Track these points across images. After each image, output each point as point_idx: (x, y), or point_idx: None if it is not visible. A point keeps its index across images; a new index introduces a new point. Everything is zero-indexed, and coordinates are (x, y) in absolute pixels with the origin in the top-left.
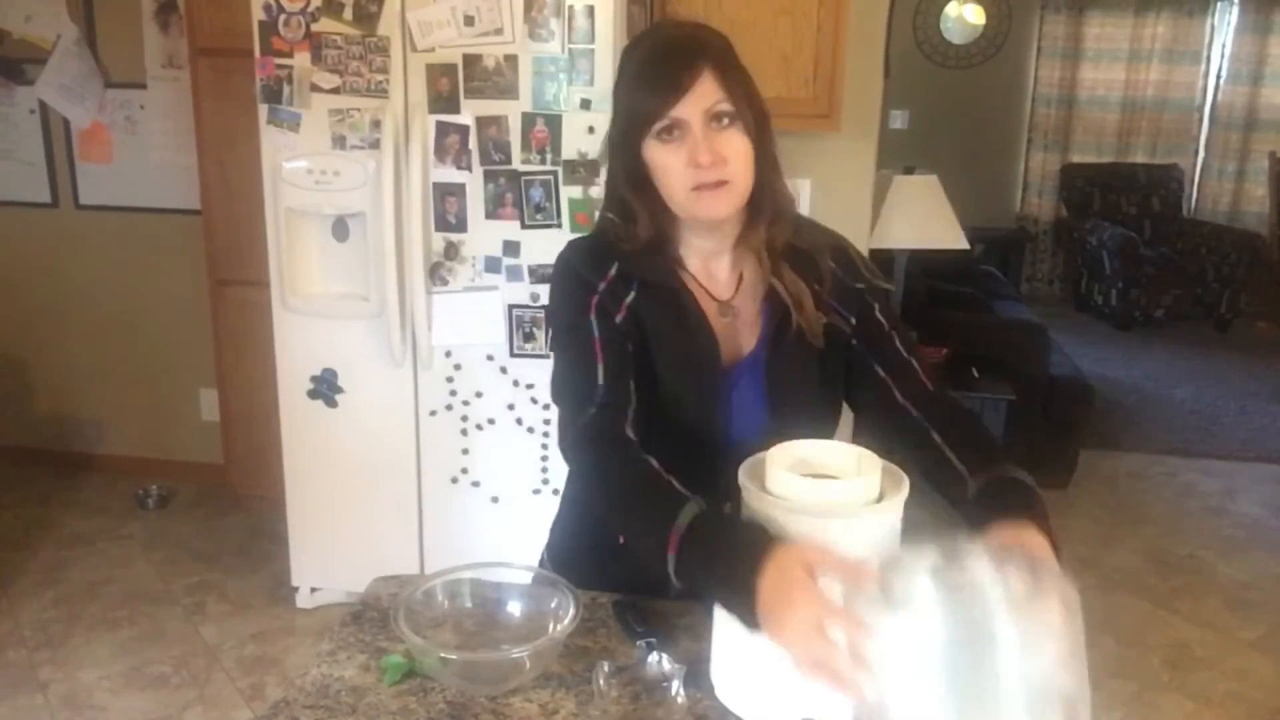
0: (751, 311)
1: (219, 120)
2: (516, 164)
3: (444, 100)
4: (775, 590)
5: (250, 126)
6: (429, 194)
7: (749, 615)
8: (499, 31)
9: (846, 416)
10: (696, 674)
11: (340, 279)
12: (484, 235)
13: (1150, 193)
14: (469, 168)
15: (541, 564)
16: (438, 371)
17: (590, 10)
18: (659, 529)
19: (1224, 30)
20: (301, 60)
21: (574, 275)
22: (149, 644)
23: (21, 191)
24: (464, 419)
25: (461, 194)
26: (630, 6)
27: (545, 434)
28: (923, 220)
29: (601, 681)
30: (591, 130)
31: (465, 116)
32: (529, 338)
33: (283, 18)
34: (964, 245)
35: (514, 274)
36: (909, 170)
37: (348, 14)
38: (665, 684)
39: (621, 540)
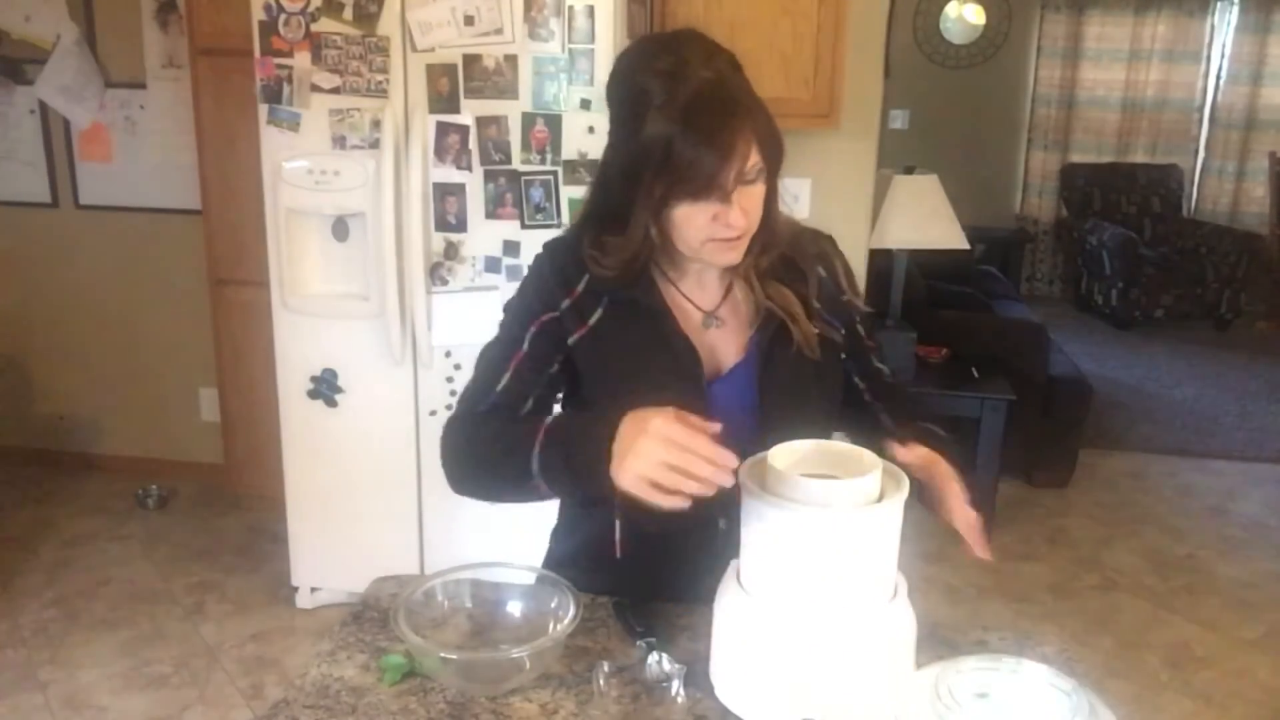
0: (738, 321)
1: (219, 120)
2: (516, 164)
3: (444, 100)
4: (630, 424)
5: (250, 126)
6: (429, 194)
7: (604, 471)
8: (499, 31)
9: None
10: (696, 674)
11: (340, 279)
12: (484, 235)
13: (1150, 193)
14: (469, 168)
15: None
16: (438, 371)
17: (590, 10)
18: (524, 435)
19: (1224, 30)
20: (301, 60)
21: (541, 285)
22: (149, 644)
23: (21, 191)
24: None
25: (461, 194)
26: (630, 6)
27: None
28: (923, 220)
29: (601, 681)
30: (591, 130)
31: (465, 116)
32: None
33: (283, 18)
34: (964, 245)
35: (514, 274)
36: (909, 170)
37: (348, 14)
38: (665, 684)
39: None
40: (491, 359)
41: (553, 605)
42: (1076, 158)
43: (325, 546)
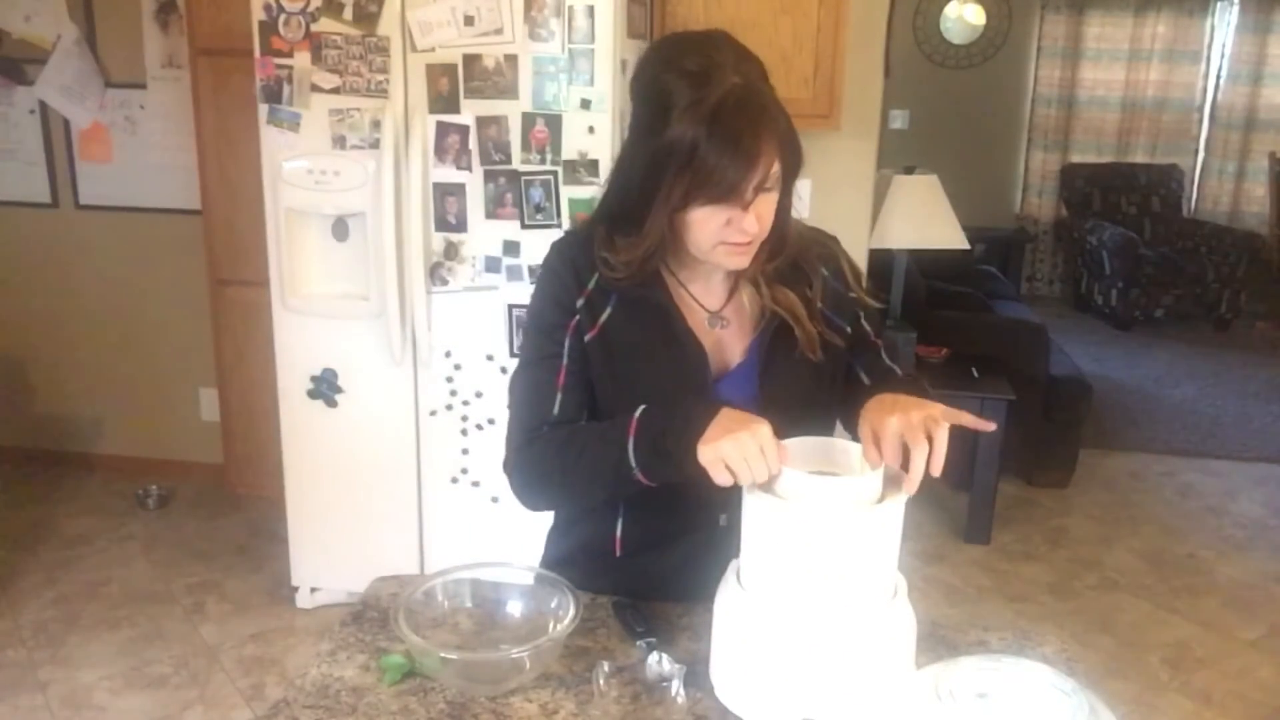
0: (742, 322)
1: (219, 120)
2: (516, 164)
3: (444, 100)
4: (732, 417)
5: (250, 126)
6: (429, 194)
7: (692, 444)
8: (499, 31)
9: None
10: (696, 674)
11: (340, 279)
12: (484, 235)
13: (1150, 193)
14: (469, 168)
15: None
16: (438, 371)
17: (590, 10)
18: (615, 434)
19: (1224, 30)
20: (301, 60)
21: (557, 285)
22: (149, 644)
23: (21, 191)
24: (464, 419)
25: (461, 194)
26: (630, 6)
27: None
28: (923, 220)
29: (601, 681)
30: (592, 130)
31: (465, 116)
32: None
33: (283, 18)
34: (964, 245)
35: (514, 274)
36: (909, 170)
37: (348, 14)
38: (665, 684)
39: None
40: (534, 384)
41: (553, 605)
42: (1076, 158)
43: (325, 546)
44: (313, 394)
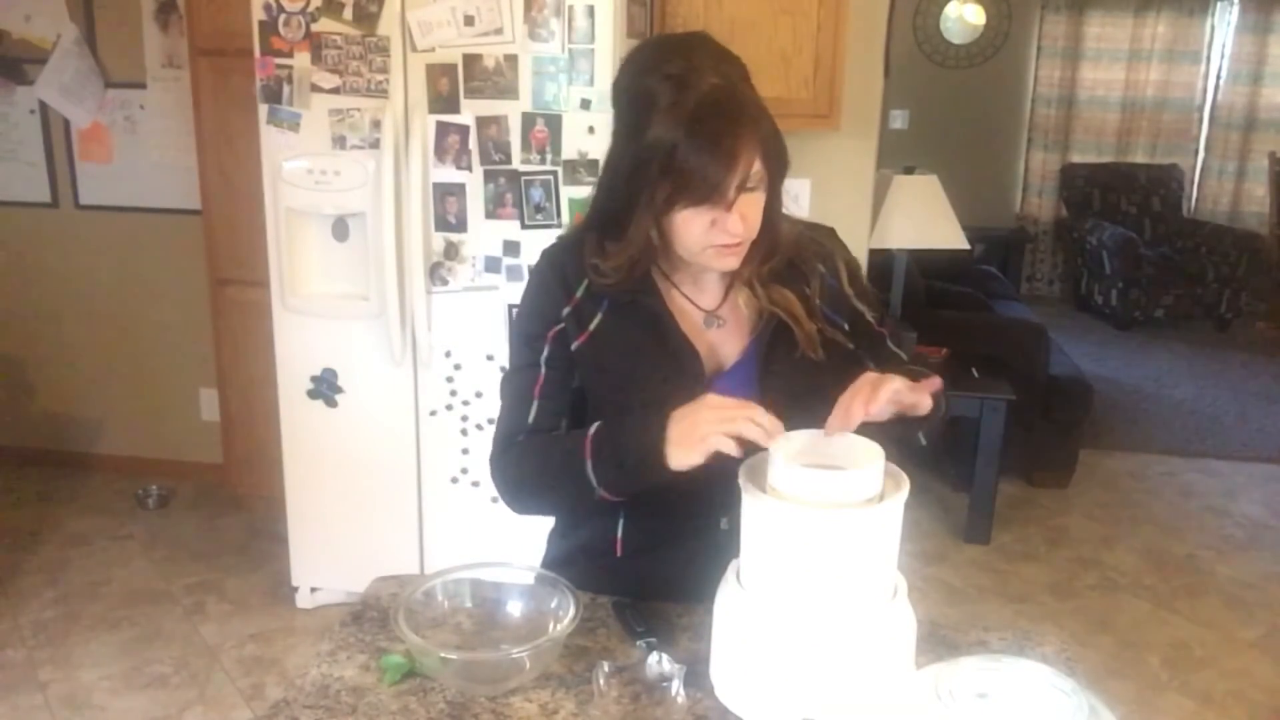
0: (739, 321)
1: (219, 120)
2: (516, 164)
3: (444, 100)
4: (684, 414)
5: (250, 126)
6: (429, 194)
7: (659, 459)
8: (499, 31)
9: None
10: (696, 674)
11: (340, 279)
12: (484, 235)
13: (1150, 193)
14: (469, 168)
15: None
16: (438, 371)
17: (590, 10)
18: (573, 453)
19: (1224, 30)
20: (301, 60)
21: (544, 293)
22: (149, 644)
23: (21, 191)
24: (464, 419)
25: (461, 194)
26: (630, 6)
27: None
28: (923, 220)
29: (601, 681)
30: (592, 130)
31: (465, 116)
32: None
33: (283, 18)
34: (964, 245)
35: (514, 274)
36: (909, 170)
37: (348, 14)
38: (665, 684)
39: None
40: (516, 391)
41: (553, 605)
42: (1076, 158)
43: (325, 546)
44: (313, 394)
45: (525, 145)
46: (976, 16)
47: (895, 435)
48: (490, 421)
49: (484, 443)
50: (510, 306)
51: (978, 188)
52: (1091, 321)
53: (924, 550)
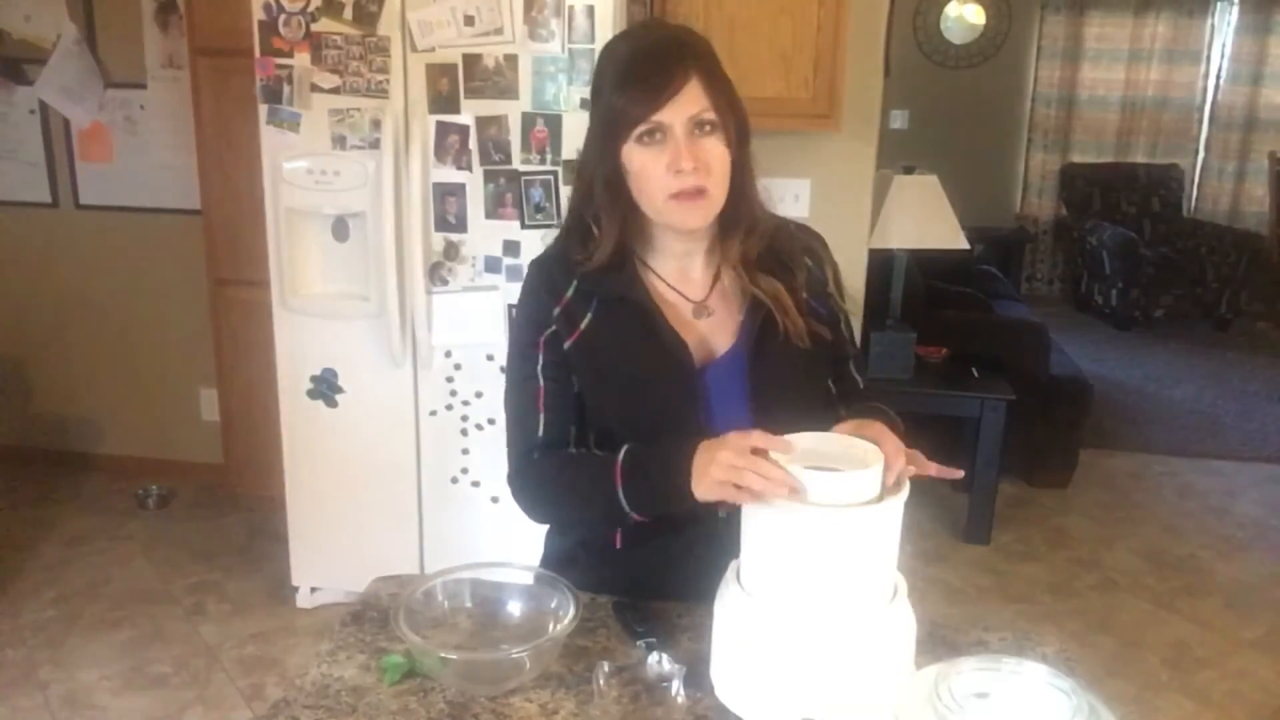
0: (728, 310)
1: (219, 120)
2: (516, 164)
3: (444, 100)
4: (707, 447)
5: (250, 126)
6: (429, 194)
7: (687, 488)
8: (499, 31)
9: None
10: (696, 674)
11: (340, 279)
12: (484, 235)
13: (1150, 193)
14: (469, 168)
15: None
16: (438, 371)
17: (590, 10)
18: (602, 476)
19: (1224, 30)
20: (301, 60)
21: (534, 300)
22: (149, 644)
23: (21, 191)
24: (464, 419)
25: (461, 194)
26: (630, 6)
27: None
28: (923, 220)
29: (601, 681)
30: None
31: (465, 116)
32: None
33: (283, 18)
34: (964, 245)
35: (514, 274)
36: (909, 170)
37: (348, 14)
38: (665, 684)
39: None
40: (520, 406)
41: (553, 605)
42: (1076, 158)
43: (325, 546)
44: (313, 394)
45: (525, 145)
46: (976, 16)
47: None
48: (490, 421)
49: (484, 443)
50: (510, 306)
51: (978, 188)
52: (1091, 321)
53: (924, 550)
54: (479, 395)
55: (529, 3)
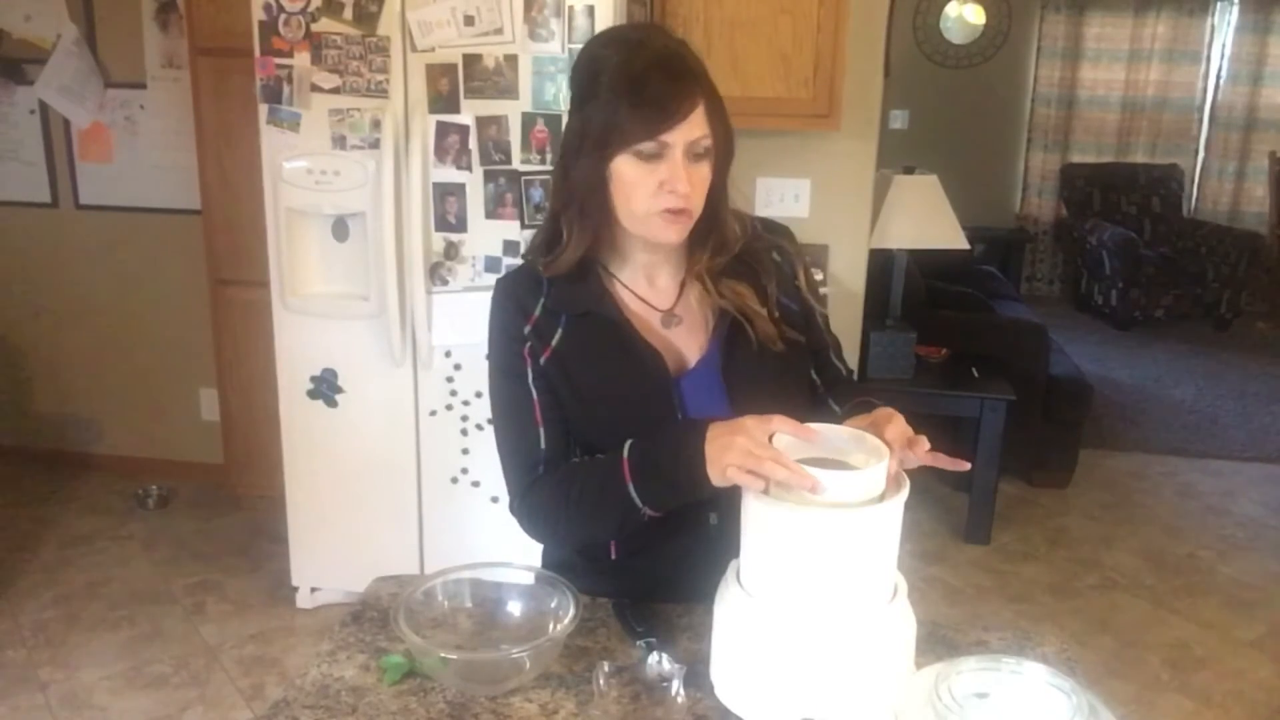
0: (696, 318)
1: (219, 120)
2: (516, 164)
3: (444, 100)
4: (721, 431)
5: (250, 126)
6: (429, 194)
7: (703, 475)
8: (499, 31)
9: None
10: (696, 674)
11: (340, 279)
12: (484, 235)
13: (1150, 193)
14: (469, 168)
15: None
16: (438, 371)
17: (590, 10)
18: (610, 478)
19: (1224, 30)
20: (301, 60)
21: (504, 318)
22: (149, 644)
23: (21, 191)
24: (464, 419)
25: (461, 194)
26: (630, 6)
27: None
28: (923, 220)
29: (601, 681)
30: None
31: (465, 116)
32: None
33: (283, 18)
34: (964, 245)
35: None
36: (909, 170)
37: (348, 14)
38: (665, 684)
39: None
40: (517, 425)
41: (553, 605)
42: (1076, 158)
43: (325, 546)
44: (313, 394)
45: (525, 145)
46: (976, 16)
47: None
48: (491, 421)
49: (484, 443)
50: None
51: (978, 188)
52: (1091, 321)
53: (924, 550)
54: (479, 395)
55: (529, 3)
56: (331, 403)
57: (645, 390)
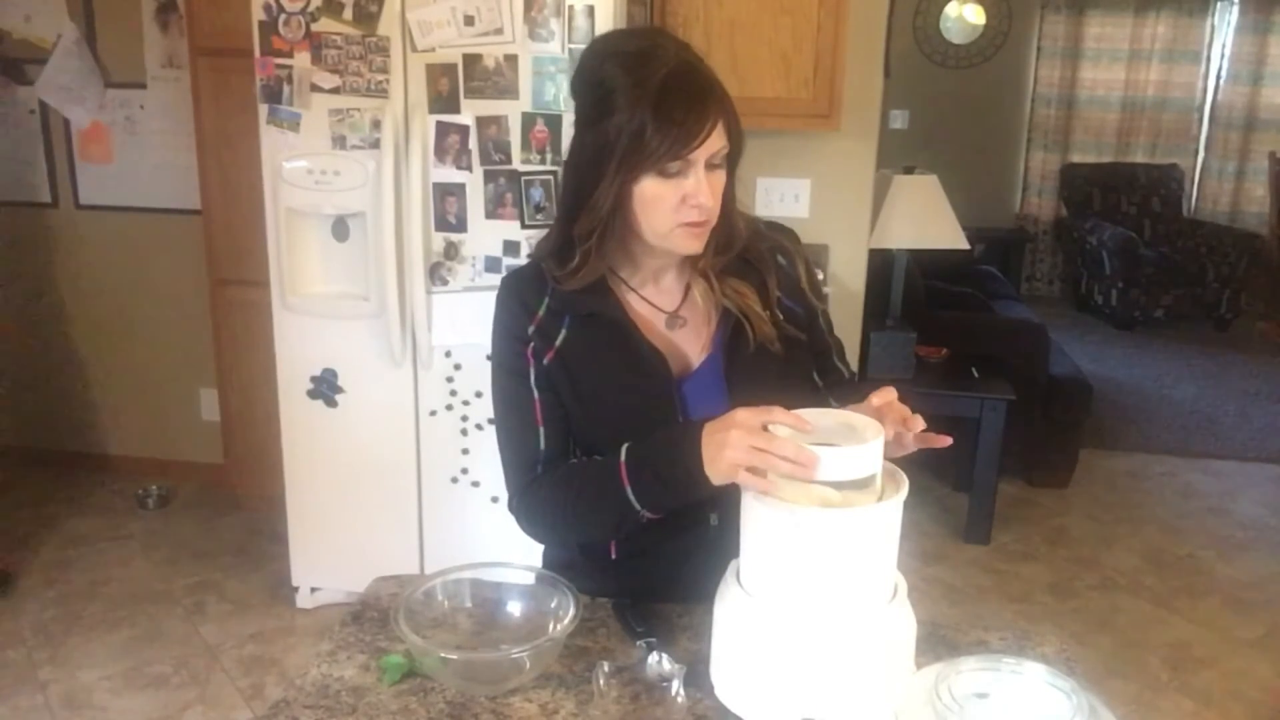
0: (701, 318)
1: (219, 120)
2: (516, 164)
3: (444, 100)
4: (715, 429)
5: (250, 126)
6: (429, 194)
7: (701, 476)
8: (499, 31)
9: None
10: (696, 674)
11: (340, 279)
12: (484, 235)
13: (1150, 193)
14: (469, 168)
15: None
16: (438, 371)
17: (590, 10)
18: (608, 479)
19: (1224, 30)
20: (301, 60)
21: (509, 318)
22: (149, 644)
23: (21, 191)
24: (464, 419)
25: (461, 194)
26: (630, 6)
27: None
28: (923, 220)
29: (601, 681)
30: None
31: (465, 116)
32: None
33: (283, 18)
34: (964, 245)
35: None
36: (909, 170)
37: (348, 14)
38: (665, 684)
39: (613, 545)
40: (517, 424)
41: (553, 605)
42: (1076, 158)
43: (325, 546)
44: (313, 394)
45: (525, 145)
46: (976, 16)
47: None
48: (491, 421)
49: (484, 443)
50: None
51: (978, 188)
52: (1091, 321)
53: (924, 550)
54: (479, 395)
55: (529, 3)
56: (331, 403)
57: (647, 392)
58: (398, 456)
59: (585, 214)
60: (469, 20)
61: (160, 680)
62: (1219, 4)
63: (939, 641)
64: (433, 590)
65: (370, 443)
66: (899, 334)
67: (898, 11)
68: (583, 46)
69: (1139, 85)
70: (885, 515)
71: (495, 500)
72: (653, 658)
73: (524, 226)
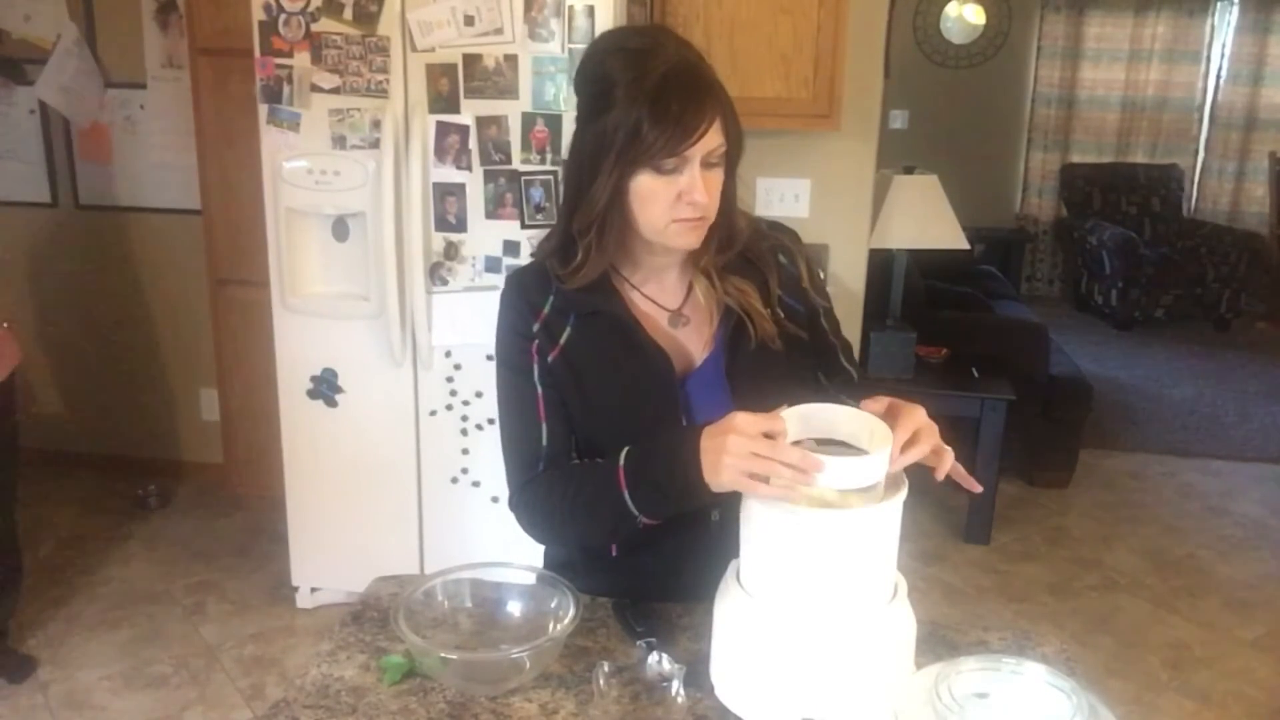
0: (703, 316)
1: (219, 120)
2: (516, 164)
3: (444, 100)
4: (713, 434)
5: (250, 126)
6: (429, 194)
7: (699, 483)
8: (499, 31)
9: None
10: (696, 674)
11: (340, 279)
12: (484, 235)
13: (1150, 193)
14: (469, 168)
15: None
16: (438, 371)
17: (590, 10)
18: (606, 484)
19: (1224, 30)
20: (301, 60)
21: (514, 315)
22: (149, 644)
23: (21, 191)
24: (464, 419)
25: (461, 194)
26: (630, 6)
27: None
28: (923, 220)
29: (601, 681)
30: None
31: (465, 116)
32: None
33: (283, 18)
34: (964, 245)
35: None
36: (909, 170)
37: (348, 14)
38: (665, 684)
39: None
40: (520, 420)
41: (553, 605)
42: (1076, 158)
43: (325, 546)
44: (313, 394)
45: (525, 145)
46: (976, 16)
47: None
48: (490, 421)
49: (484, 442)
50: None
51: (978, 188)
52: (1091, 321)
53: (924, 550)
54: (479, 395)
55: (529, 3)
56: (331, 403)
57: (651, 389)
58: (398, 456)
59: (583, 208)
60: (469, 20)
61: (160, 680)
62: (1219, 4)
63: (939, 641)
64: (433, 590)
65: (370, 443)
66: (899, 334)
67: (898, 11)
68: (583, 47)
69: (1139, 85)
70: (885, 516)
71: (495, 500)
72: (653, 658)
73: (524, 226)
